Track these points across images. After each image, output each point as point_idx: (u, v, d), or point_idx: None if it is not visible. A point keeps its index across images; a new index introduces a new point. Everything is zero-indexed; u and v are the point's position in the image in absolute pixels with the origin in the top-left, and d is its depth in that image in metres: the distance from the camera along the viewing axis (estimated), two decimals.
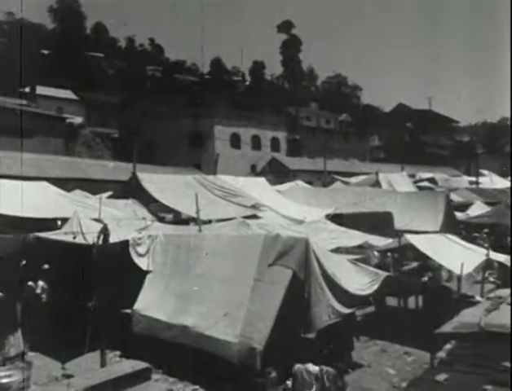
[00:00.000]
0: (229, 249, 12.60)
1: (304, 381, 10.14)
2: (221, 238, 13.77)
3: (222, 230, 16.33)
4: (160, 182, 21.86)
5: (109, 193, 23.71)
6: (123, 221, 16.29)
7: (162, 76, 72.08)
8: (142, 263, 13.13)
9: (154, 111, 52.43)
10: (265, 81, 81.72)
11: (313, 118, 67.55)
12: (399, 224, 20.64)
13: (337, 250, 14.97)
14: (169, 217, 21.07)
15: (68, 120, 48.52)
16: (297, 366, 10.26)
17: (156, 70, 73.22)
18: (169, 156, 46.93)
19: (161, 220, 19.63)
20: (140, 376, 10.84)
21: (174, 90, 61.44)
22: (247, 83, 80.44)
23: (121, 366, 11.33)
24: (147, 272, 13.02)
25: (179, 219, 20.79)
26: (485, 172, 52.11)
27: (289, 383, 10.07)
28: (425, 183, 40.33)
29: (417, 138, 72.72)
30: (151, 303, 12.45)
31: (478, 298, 15.66)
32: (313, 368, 10.23)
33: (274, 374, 10.18)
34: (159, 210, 20.79)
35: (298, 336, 11.56)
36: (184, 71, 75.14)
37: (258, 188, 24.16)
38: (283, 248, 11.64)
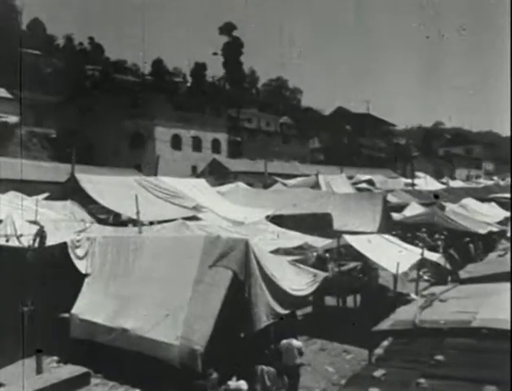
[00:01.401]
0: (169, 251, 12.54)
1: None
2: (161, 239, 13.69)
3: (163, 231, 16.23)
4: (99, 184, 21.47)
5: (46, 194, 23.08)
6: (61, 223, 15.94)
7: (102, 75, 70.65)
8: (81, 266, 12.89)
9: (93, 111, 51.38)
10: (206, 83, 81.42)
11: (254, 120, 67.77)
12: (337, 225, 20.98)
13: (277, 251, 15.10)
14: (109, 218, 20.73)
15: (1, 119, 46.94)
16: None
17: (95, 69, 71.70)
18: (109, 157, 46.14)
19: (101, 222, 19.29)
20: (79, 382, 10.63)
21: (114, 90, 60.31)
22: (188, 84, 79.96)
23: (59, 372, 11.07)
24: (85, 275, 12.80)
25: (119, 221, 20.50)
26: (420, 174, 53.62)
27: (230, 383, 10.08)
28: (364, 185, 41.13)
29: (355, 140, 74.10)
30: (90, 306, 12.23)
31: (413, 296, 16.10)
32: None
33: (215, 375, 10.19)
34: (98, 212, 20.42)
35: (239, 337, 11.62)
36: (125, 71, 73.94)
37: (198, 189, 24.07)
38: (223, 249, 11.68)
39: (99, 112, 50.83)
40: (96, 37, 78.56)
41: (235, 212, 21.78)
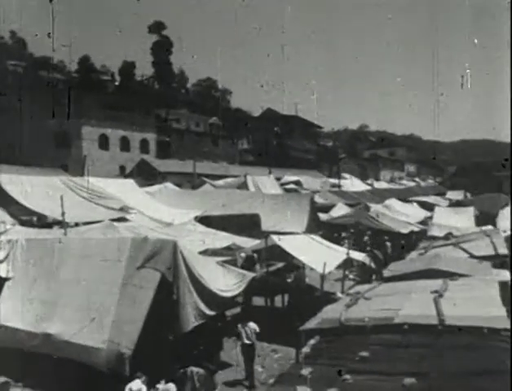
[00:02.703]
0: (96, 253, 12.29)
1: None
2: (87, 241, 13.39)
3: (89, 233, 15.87)
4: (22, 184, 20.72)
5: None
6: None
7: (25, 72, 68.21)
8: (1, 270, 12.42)
9: (16, 109, 49.49)
10: (135, 82, 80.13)
11: (183, 120, 67.34)
12: (265, 225, 21.19)
13: (205, 252, 15.10)
14: (33, 220, 20.05)
15: None
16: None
17: (18, 65, 69.12)
18: (34, 157, 44.53)
19: (24, 223, 18.64)
20: None
21: (38, 87, 58.36)
22: (117, 83, 78.44)
23: None
24: (6, 279, 12.34)
25: (44, 222, 19.86)
26: (346, 175, 54.88)
27: (159, 386, 9.99)
28: (291, 186, 41.69)
29: (283, 142, 74.94)
30: (11, 312, 11.80)
31: (339, 295, 16.47)
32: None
33: (143, 378, 10.07)
34: (21, 213, 19.69)
35: (167, 339, 11.53)
36: (50, 68, 71.66)
37: (126, 190, 23.68)
38: (151, 250, 11.58)
39: (23, 110, 49.03)
40: (18, 32, 75.90)
41: (163, 213, 21.58)
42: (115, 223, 16.96)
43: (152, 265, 11.36)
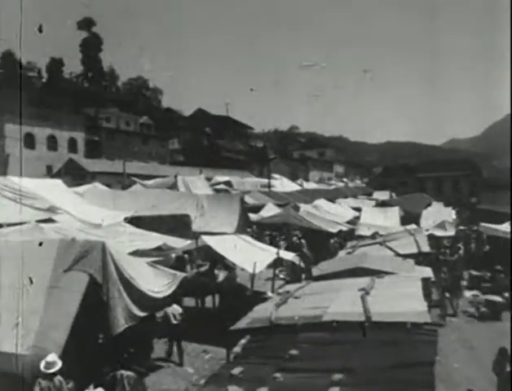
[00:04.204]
0: (21, 255, 11.87)
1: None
2: (12, 243, 12.89)
3: (14, 235, 15.30)
4: None
5: None
6: None
7: None
8: None
9: None
10: (63, 80, 77.85)
11: (113, 119, 66.14)
12: (196, 226, 21.11)
13: (135, 253, 14.89)
14: None
15: None
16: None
17: None
18: None
19: None
20: None
21: None
22: (44, 80, 75.94)
23: None
24: None
25: None
26: (277, 176, 55.36)
27: None
28: (222, 186, 41.64)
29: (214, 142, 74.90)
30: None
31: (269, 294, 16.68)
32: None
33: (71, 384, 9.81)
34: None
35: (97, 342, 11.31)
36: None
37: (53, 190, 22.92)
38: (79, 252, 11.31)
39: None
40: None
41: (92, 213, 21.05)
42: (41, 224, 16.44)
43: (81, 267, 11.10)
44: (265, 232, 27.37)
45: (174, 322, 13.84)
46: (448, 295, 19.49)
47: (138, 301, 11.66)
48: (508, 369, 9.84)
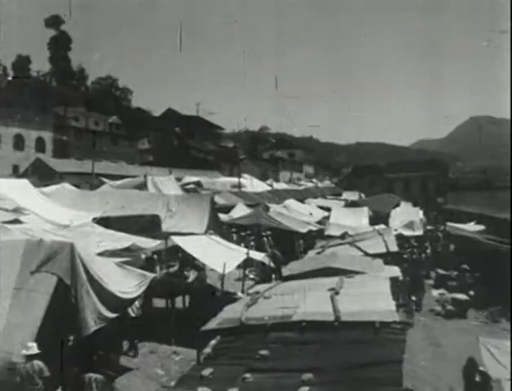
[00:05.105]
0: None
1: None
2: None
3: None
4: None
5: None
6: None
7: None
8: None
9: None
10: (30, 78, 76.49)
11: (82, 119, 65.36)
12: (166, 226, 20.98)
13: (104, 253, 14.75)
14: None
15: None
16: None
17: None
18: None
19: None
20: None
21: None
22: (9, 78, 74.49)
23: None
24: None
25: None
26: (247, 176, 55.34)
27: None
28: (192, 186, 41.44)
29: (184, 142, 74.53)
30: None
31: (239, 294, 16.70)
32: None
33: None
34: None
35: (66, 345, 11.16)
36: None
37: (20, 191, 22.53)
38: (47, 253, 11.17)
39: None
40: None
41: (60, 214, 20.77)
42: (8, 225, 16.16)
43: (48, 268, 10.95)
44: (235, 233, 27.34)
45: (133, 315, 13.99)
46: (413, 294, 19.93)
47: (107, 302, 11.55)
48: (477, 379, 9.91)
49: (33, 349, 9.58)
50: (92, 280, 11.37)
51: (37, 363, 9.56)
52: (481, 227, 30.35)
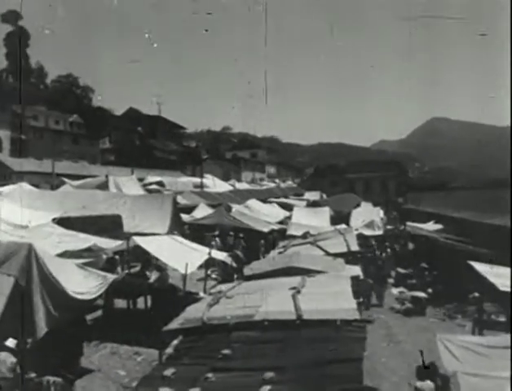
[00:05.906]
0: None
1: None
2: None
3: None
4: None
5: None
6: None
7: None
8: None
9: None
10: None
11: (41, 118, 64.23)
12: (127, 226, 20.75)
13: (64, 254, 14.55)
14: None
15: None
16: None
17: None
18: None
19: None
20: None
21: None
22: None
23: None
24: None
25: None
26: (209, 176, 55.26)
27: None
28: (154, 186, 41.20)
29: (146, 142, 73.97)
30: None
31: (201, 294, 16.69)
32: None
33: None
34: None
35: (23, 347, 10.96)
36: None
37: None
38: (3, 254, 10.97)
39: None
40: None
41: (18, 214, 20.39)
42: None
43: (5, 270, 10.75)
44: (197, 232, 27.27)
45: None
46: (374, 292, 20.33)
47: (63, 304, 11.37)
48: (439, 383, 10.02)
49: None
50: (48, 282, 11.20)
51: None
52: (439, 226, 31.00)
